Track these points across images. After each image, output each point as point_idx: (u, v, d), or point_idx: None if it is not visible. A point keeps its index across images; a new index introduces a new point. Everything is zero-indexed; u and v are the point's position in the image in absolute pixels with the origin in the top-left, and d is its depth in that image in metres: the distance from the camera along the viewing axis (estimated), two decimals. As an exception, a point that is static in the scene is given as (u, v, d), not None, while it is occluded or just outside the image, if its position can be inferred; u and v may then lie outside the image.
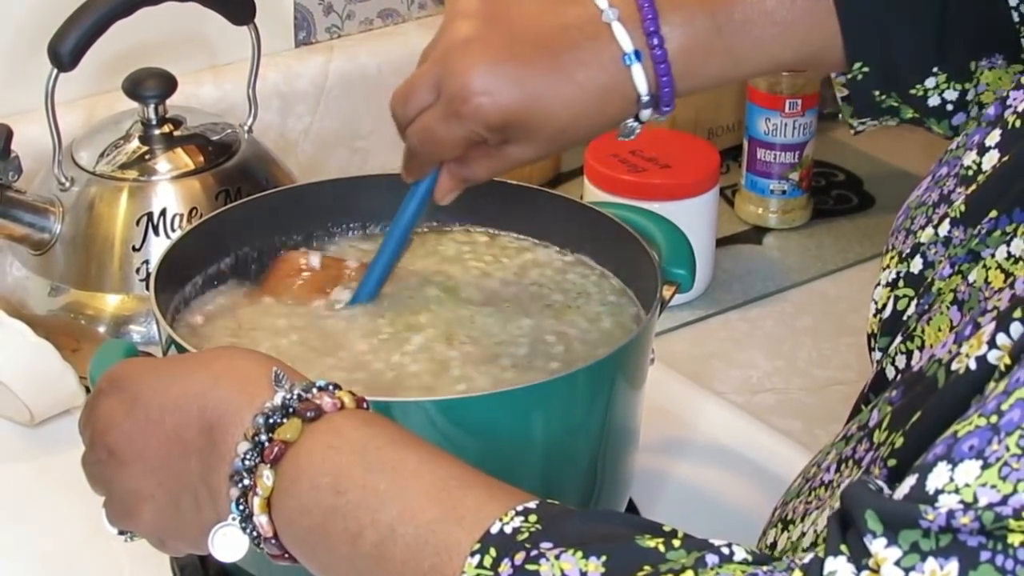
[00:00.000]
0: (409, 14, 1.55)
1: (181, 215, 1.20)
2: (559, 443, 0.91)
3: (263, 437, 0.72)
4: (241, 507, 0.72)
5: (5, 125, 1.18)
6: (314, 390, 0.73)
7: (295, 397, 0.72)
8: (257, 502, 0.71)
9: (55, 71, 1.17)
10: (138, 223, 1.19)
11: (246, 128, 1.28)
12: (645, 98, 0.89)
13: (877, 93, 0.92)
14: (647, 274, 0.98)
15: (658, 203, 1.22)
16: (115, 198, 1.20)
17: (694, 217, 1.28)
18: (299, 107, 1.46)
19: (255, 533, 0.72)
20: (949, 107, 0.92)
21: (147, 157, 1.22)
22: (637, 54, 0.88)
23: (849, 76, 0.92)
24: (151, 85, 1.22)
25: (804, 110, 1.41)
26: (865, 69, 0.91)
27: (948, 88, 0.92)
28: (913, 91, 0.92)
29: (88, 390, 0.82)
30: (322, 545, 0.70)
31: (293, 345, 0.96)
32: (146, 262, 1.19)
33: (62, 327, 1.19)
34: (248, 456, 0.72)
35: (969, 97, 0.92)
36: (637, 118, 0.91)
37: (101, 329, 1.19)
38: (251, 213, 1.06)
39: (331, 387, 0.73)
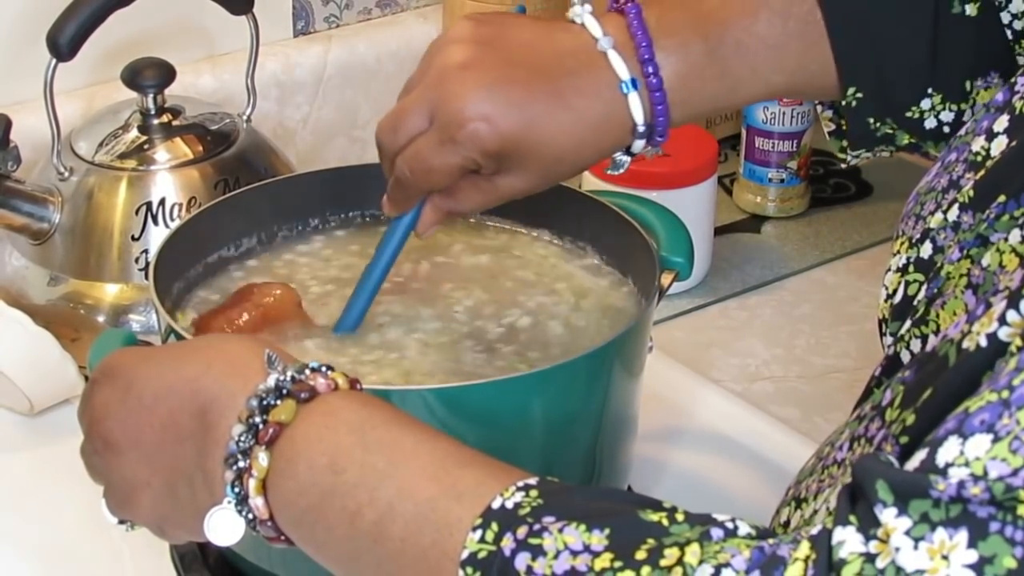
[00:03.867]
0: (408, 3, 1.55)
1: (180, 204, 1.20)
2: (558, 431, 0.91)
3: (257, 419, 0.72)
4: (236, 490, 0.72)
5: (4, 115, 1.18)
6: (307, 371, 0.73)
7: (289, 379, 0.73)
8: (252, 484, 0.71)
9: (54, 61, 1.17)
10: (137, 212, 1.20)
11: (245, 118, 1.28)
12: (641, 128, 0.88)
13: (872, 120, 0.92)
14: (645, 262, 0.98)
15: (656, 192, 1.22)
16: (114, 188, 1.20)
17: (692, 206, 1.28)
18: (298, 97, 1.47)
19: (251, 516, 0.72)
20: (945, 129, 0.92)
21: (146, 147, 1.22)
22: (634, 82, 0.87)
23: (844, 103, 0.92)
24: (150, 75, 1.22)
25: (802, 99, 1.41)
26: (859, 94, 0.91)
27: (944, 109, 0.91)
28: (908, 114, 0.92)
29: (87, 380, 0.82)
30: (319, 525, 0.70)
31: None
32: (145, 251, 1.19)
33: (61, 316, 1.19)
34: (243, 438, 0.72)
35: (965, 118, 0.91)
36: (629, 151, 0.90)
37: (100, 318, 1.20)
38: (250, 202, 1.06)
39: (325, 368, 0.74)
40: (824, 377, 1.23)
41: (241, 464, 0.72)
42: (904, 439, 0.68)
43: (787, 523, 0.80)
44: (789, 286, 1.35)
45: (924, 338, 0.79)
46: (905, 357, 0.80)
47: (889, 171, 1.53)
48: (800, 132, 1.43)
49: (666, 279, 0.97)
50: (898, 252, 0.86)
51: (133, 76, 1.22)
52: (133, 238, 1.19)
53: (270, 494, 0.72)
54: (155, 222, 1.19)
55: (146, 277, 1.14)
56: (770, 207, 1.45)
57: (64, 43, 1.16)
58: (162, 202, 1.20)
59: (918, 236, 0.84)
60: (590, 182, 1.32)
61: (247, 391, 0.73)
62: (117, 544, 1.02)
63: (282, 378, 0.73)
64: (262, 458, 0.71)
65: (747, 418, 1.16)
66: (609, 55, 0.87)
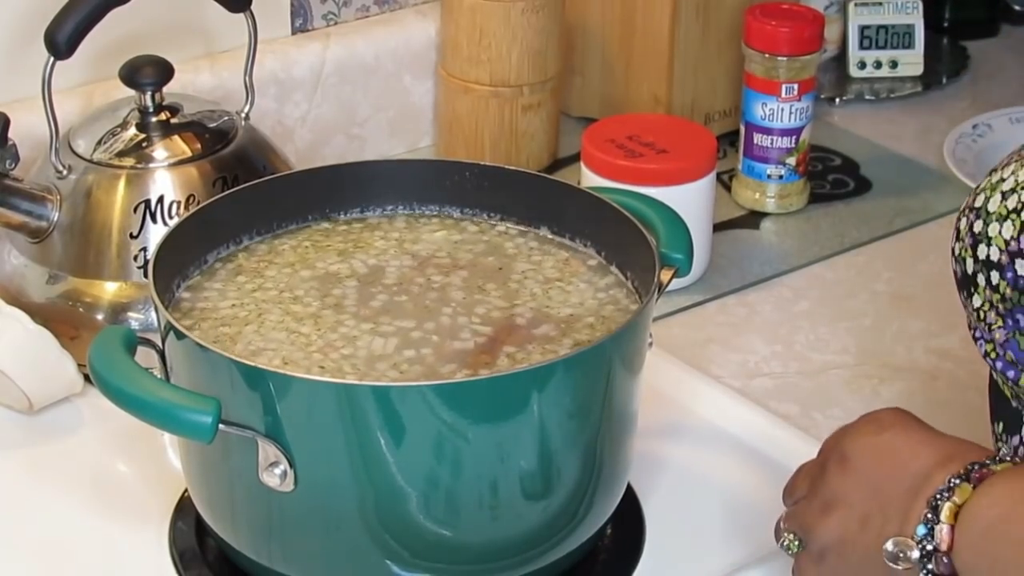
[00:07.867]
0: (406, 1, 1.55)
1: (178, 202, 1.20)
2: (557, 427, 0.91)
3: (972, 469, 0.79)
4: (928, 519, 0.78)
5: (2, 113, 1.18)
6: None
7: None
8: (947, 507, 0.78)
9: (52, 59, 1.17)
10: (135, 210, 1.19)
11: (243, 115, 1.28)
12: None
13: None
14: (645, 259, 0.98)
15: (655, 188, 1.22)
16: (112, 186, 1.20)
17: (691, 202, 1.28)
18: (296, 94, 1.47)
19: (928, 548, 0.78)
20: None
21: (144, 144, 1.22)
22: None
23: None
24: (148, 72, 1.22)
25: (801, 95, 1.41)
26: None
27: None
28: None
29: (87, 378, 0.82)
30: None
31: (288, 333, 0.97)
32: (144, 249, 1.19)
33: (60, 315, 1.19)
34: (954, 479, 0.78)
35: None
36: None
37: (99, 316, 1.19)
38: (248, 200, 1.06)
39: None
40: (823, 373, 1.23)
41: (942, 498, 0.78)
42: None
43: None
44: (788, 282, 1.35)
45: None
46: None
47: (888, 167, 1.54)
48: (799, 128, 1.43)
49: (665, 275, 0.97)
50: None
51: (131, 74, 1.22)
52: (132, 236, 1.19)
53: (961, 525, 0.77)
54: (154, 220, 1.19)
55: (145, 275, 1.14)
56: (769, 203, 1.45)
57: (62, 41, 1.16)
58: (160, 200, 1.20)
59: None
60: (589, 179, 1.32)
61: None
62: (117, 542, 1.02)
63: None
64: (965, 488, 0.77)
65: (746, 414, 1.16)
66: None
